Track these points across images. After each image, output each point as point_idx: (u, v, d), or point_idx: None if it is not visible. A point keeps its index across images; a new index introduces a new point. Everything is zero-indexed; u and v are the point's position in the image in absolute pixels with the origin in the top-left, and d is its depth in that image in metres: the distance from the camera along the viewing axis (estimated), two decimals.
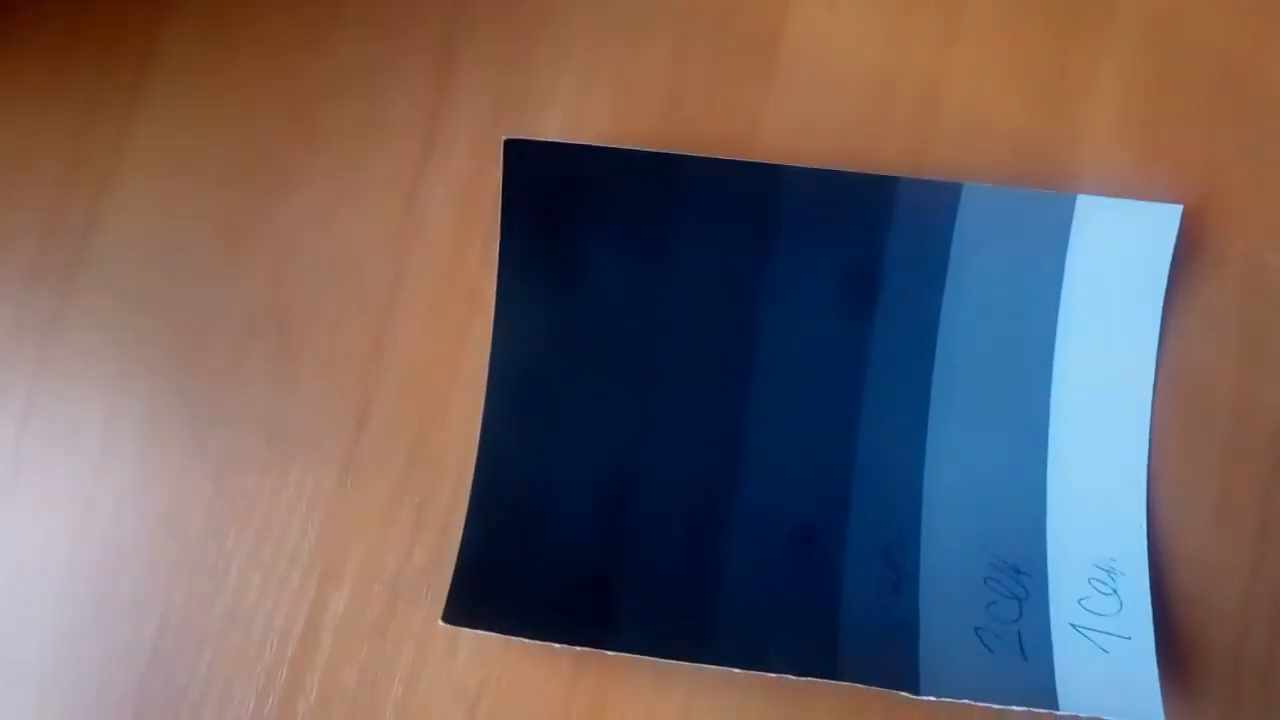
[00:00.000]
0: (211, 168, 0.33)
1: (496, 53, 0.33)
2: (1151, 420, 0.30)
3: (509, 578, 0.30)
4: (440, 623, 0.30)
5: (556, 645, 0.30)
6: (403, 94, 0.33)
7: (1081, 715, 0.28)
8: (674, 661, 0.29)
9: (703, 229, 0.31)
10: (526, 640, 0.30)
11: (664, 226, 0.31)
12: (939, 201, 0.30)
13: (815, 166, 0.31)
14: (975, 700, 0.28)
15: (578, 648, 0.29)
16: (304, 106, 0.33)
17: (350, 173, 0.33)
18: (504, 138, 0.31)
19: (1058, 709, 0.28)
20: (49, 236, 0.33)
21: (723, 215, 0.31)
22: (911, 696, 0.28)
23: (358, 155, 0.33)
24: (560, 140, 0.32)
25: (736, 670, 0.29)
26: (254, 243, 0.33)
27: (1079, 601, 0.29)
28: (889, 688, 0.28)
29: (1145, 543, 0.29)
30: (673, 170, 0.31)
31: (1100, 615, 0.29)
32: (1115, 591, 0.29)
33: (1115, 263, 0.30)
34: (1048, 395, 0.30)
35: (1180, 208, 0.29)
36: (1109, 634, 0.29)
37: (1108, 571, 0.29)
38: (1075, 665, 0.29)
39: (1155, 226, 0.29)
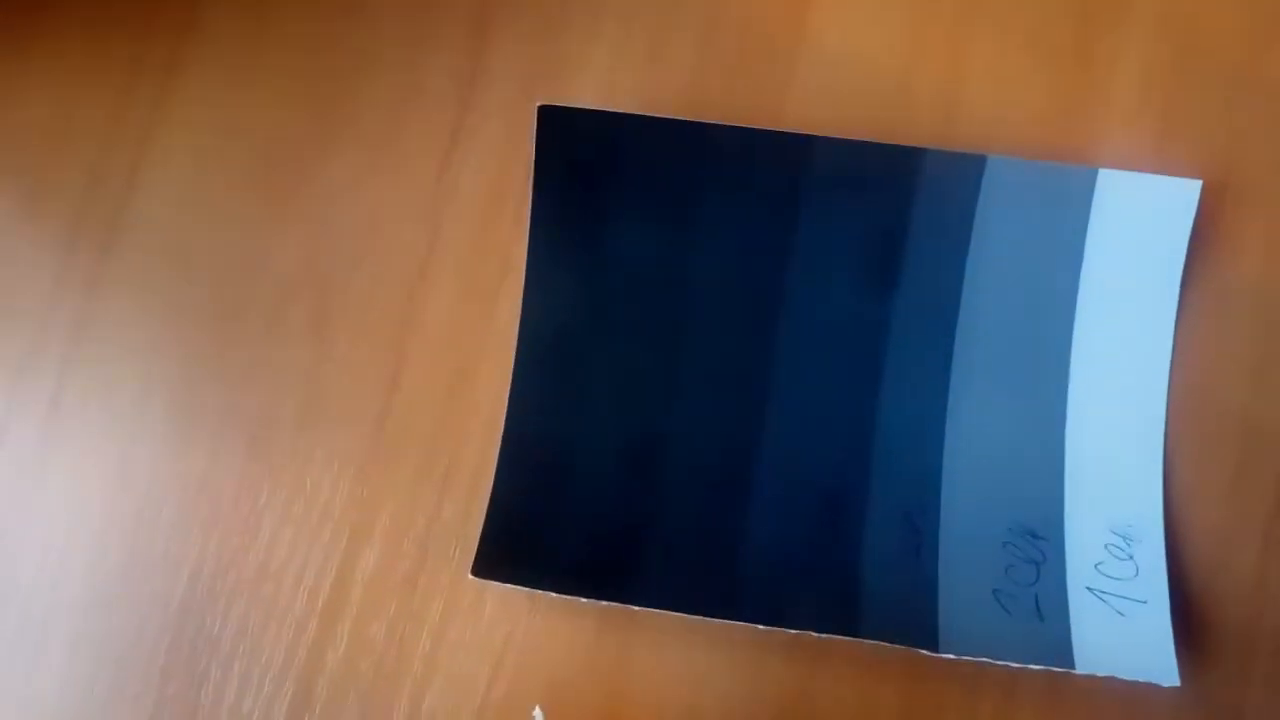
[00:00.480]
0: (248, 134, 0.34)
1: (530, 23, 0.34)
2: (1169, 390, 0.30)
3: (536, 533, 0.31)
4: (469, 577, 0.30)
5: (582, 600, 0.30)
6: (437, 63, 0.34)
7: (1098, 674, 0.28)
8: (697, 617, 0.30)
9: (731, 197, 0.31)
10: (552, 595, 0.30)
11: (693, 194, 0.32)
12: (964, 173, 0.31)
13: (842, 137, 0.31)
14: (993, 659, 0.29)
15: (602, 602, 0.30)
16: (340, 74, 0.34)
17: (385, 140, 0.34)
18: (537, 104, 0.32)
19: (1074, 668, 0.29)
20: (89, 199, 0.34)
21: (751, 183, 0.31)
22: (931, 654, 0.29)
23: (393, 123, 0.34)
24: (592, 108, 0.32)
25: (759, 626, 0.29)
26: (290, 208, 0.34)
27: (1095, 566, 0.29)
28: (908, 645, 0.29)
29: (1161, 509, 0.30)
30: (702, 139, 0.31)
31: (1117, 579, 0.29)
32: (1131, 557, 0.29)
33: (1135, 236, 0.30)
34: (1067, 364, 0.30)
35: (1200, 183, 0.30)
36: (1125, 598, 0.29)
37: (1124, 537, 0.30)
38: (1092, 627, 0.29)
39: (1175, 201, 0.30)
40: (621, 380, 0.31)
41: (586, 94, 0.33)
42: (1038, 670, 0.29)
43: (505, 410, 0.31)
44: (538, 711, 0.30)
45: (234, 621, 0.32)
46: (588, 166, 0.32)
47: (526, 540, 0.31)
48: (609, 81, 0.33)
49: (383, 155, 0.34)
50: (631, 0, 0.34)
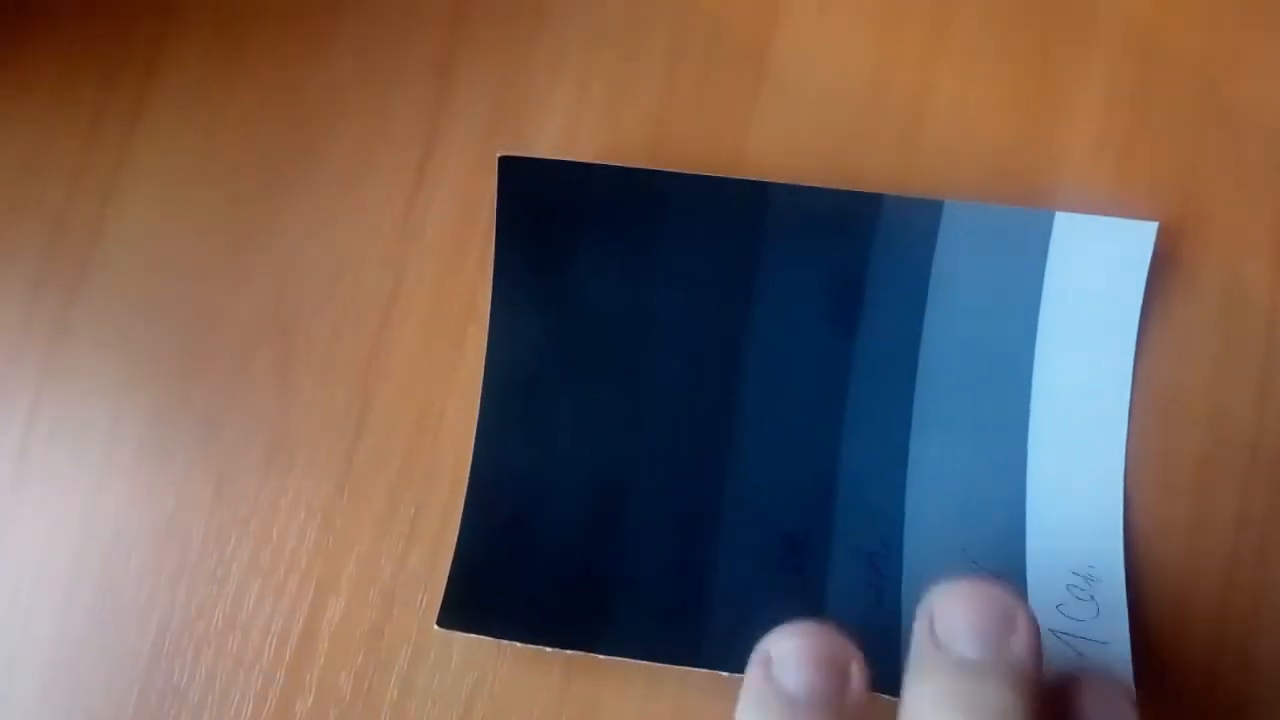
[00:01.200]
0: (214, 178, 0.34)
1: (494, 65, 0.34)
2: (1128, 432, 0.30)
3: (502, 582, 0.31)
4: (436, 628, 0.30)
5: (548, 649, 0.30)
6: (402, 106, 0.34)
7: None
8: (665, 665, 0.30)
9: (691, 243, 0.32)
10: (519, 644, 0.30)
11: (654, 240, 0.32)
12: (922, 218, 0.31)
13: (801, 184, 0.31)
14: None
15: (569, 651, 0.30)
16: (305, 118, 0.34)
17: (350, 183, 0.34)
18: (499, 154, 0.32)
19: None
20: (55, 245, 0.34)
21: (711, 230, 0.31)
22: (892, 699, 0.29)
23: (358, 166, 0.34)
24: (553, 158, 0.32)
25: (724, 674, 0.29)
26: (256, 252, 0.34)
27: (1057, 608, 0.30)
28: (871, 691, 0.29)
29: (1122, 550, 0.30)
30: (662, 187, 0.31)
31: (1078, 620, 0.29)
32: (1093, 598, 0.29)
33: (1092, 278, 0.30)
34: (1027, 407, 0.30)
35: (1156, 225, 0.30)
36: (1085, 639, 0.29)
37: (1085, 579, 0.30)
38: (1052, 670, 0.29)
39: (1131, 243, 0.30)
40: (586, 428, 0.31)
41: (550, 135, 0.33)
42: None
43: (470, 458, 0.31)
44: None
45: (203, 671, 0.32)
46: (549, 215, 0.32)
47: (492, 590, 0.31)
48: (572, 124, 0.33)
49: (347, 199, 0.34)
50: (594, 43, 0.34)
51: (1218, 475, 0.30)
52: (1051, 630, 0.29)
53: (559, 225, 0.32)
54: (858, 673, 0.25)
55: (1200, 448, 0.30)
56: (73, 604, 0.33)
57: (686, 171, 0.31)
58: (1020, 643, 0.24)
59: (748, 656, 0.29)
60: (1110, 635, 0.29)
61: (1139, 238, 0.30)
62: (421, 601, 0.31)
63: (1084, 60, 0.32)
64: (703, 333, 0.31)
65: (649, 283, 0.32)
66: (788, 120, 0.33)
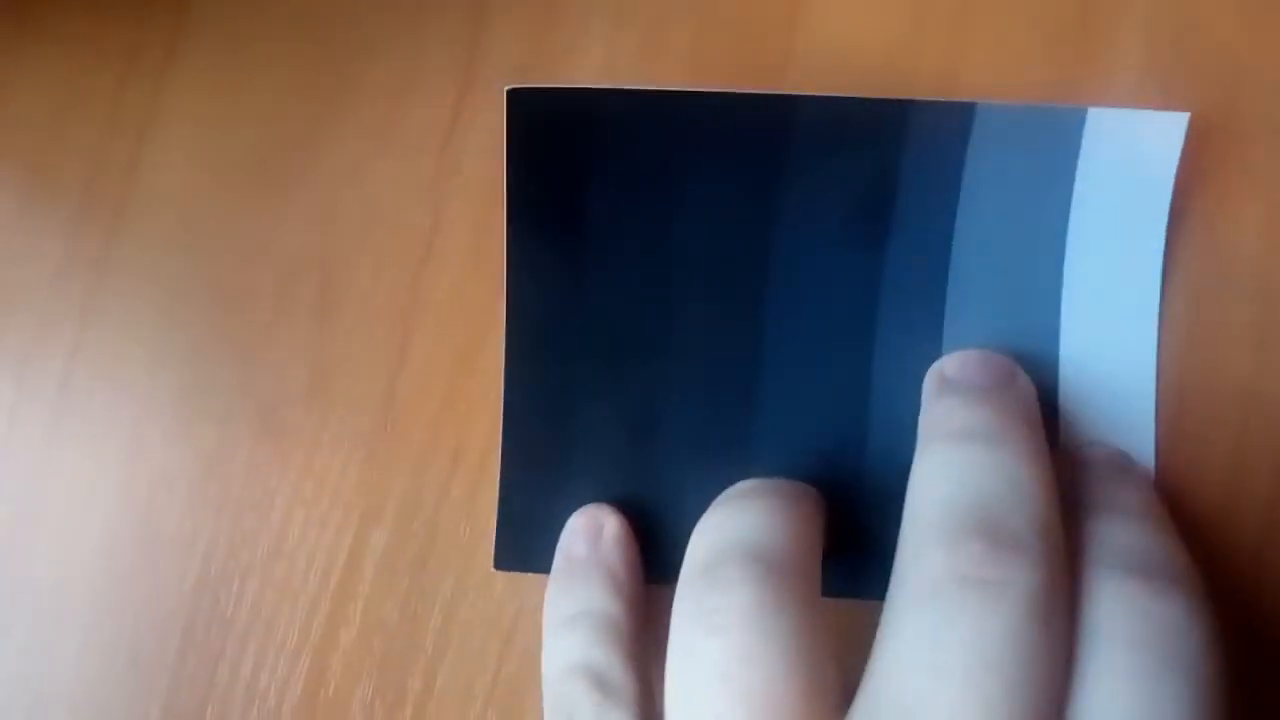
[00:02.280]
0: (250, 120, 0.34)
1: (528, 7, 0.34)
2: (1160, 320, 0.30)
3: (547, 519, 0.31)
4: (492, 569, 0.31)
5: None
6: (436, 49, 0.34)
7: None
8: None
9: (712, 160, 0.31)
10: None
11: (673, 161, 0.31)
12: (953, 122, 0.30)
13: (826, 94, 0.31)
14: None
15: None
16: (340, 60, 0.34)
17: (387, 121, 0.34)
18: (505, 88, 0.31)
19: None
20: (93, 185, 0.34)
21: (733, 146, 0.31)
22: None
23: (394, 105, 0.34)
24: (563, 85, 0.31)
25: None
26: (294, 192, 0.34)
27: None
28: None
29: (1153, 437, 0.30)
30: (680, 106, 0.31)
31: None
32: None
33: (1123, 173, 0.30)
34: (1058, 306, 0.30)
35: (1187, 115, 0.29)
36: None
37: None
38: None
39: (1163, 134, 0.30)
40: (615, 353, 0.32)
41: (587, 71, 0.33)
42: None
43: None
44: None
45: (248, 601, 0.32)
46: (564, 146, 0.31)
47: (540, 528, 0.31)
48: (608, 63, 0.33)
49: (385, 139, 0.34)
50: None
51: (1262, 354, 0.31)
52: None
53: (574, 154, 0.31)
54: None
55: (1244, 324, 0.31)
56: (117, 537, 0.33)
57: (701, 89, 0.31)
58: (1024, 384, 0.29)
59: None
60: None
61: (1170, 128, 0.29)
62: (465, 532, 0.32)
63: None
64: (728, 253, 0.31)
65: (671, 207, 0.31)
66: (825, 58, 0.33)
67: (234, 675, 0.32)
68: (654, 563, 0.31)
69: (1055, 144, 0.30)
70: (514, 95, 0.31)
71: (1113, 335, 0.31)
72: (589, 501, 0.31)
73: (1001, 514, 0.24)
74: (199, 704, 0.32)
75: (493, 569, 0.31)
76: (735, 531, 0.27)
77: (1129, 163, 0.30)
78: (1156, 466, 0.30)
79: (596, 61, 0.33)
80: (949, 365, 0.29)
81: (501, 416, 0.32)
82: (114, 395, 0.34)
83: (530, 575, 0.31)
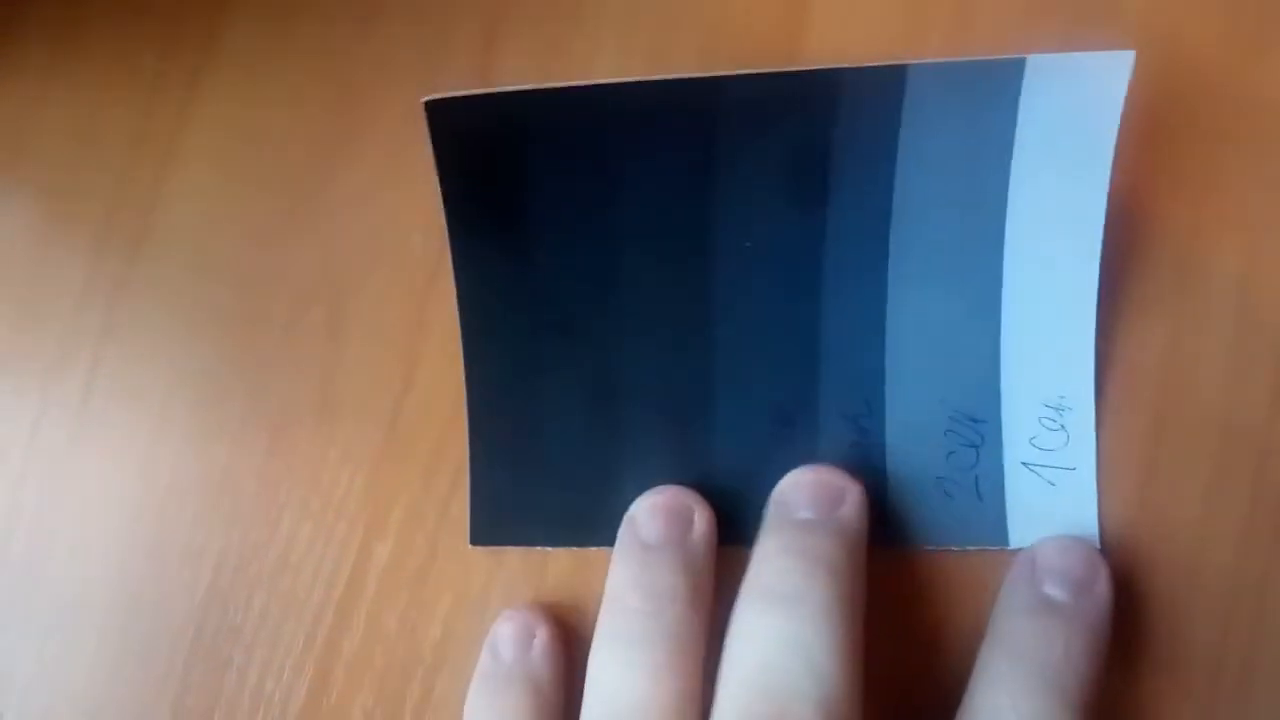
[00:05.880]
0: (268, 145, 0.36)
1: (538, 35, 0.35)
2: (1100, 262, 0.30)
3: (519, 491, 0.33)
4: (470, 546, 0.33)
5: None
6: (448, 75, 0.35)
7: (1025, 548, 0.30)
8: None
9: (645, 146, 0.31)
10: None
11: (609, 151, 0.32)
12: (885, 85, 0.30)
13: (753, 70, 0.31)
14: (934, 545, 0.31)
15: (591, 548, 0.32)
16: (355, 85, 0.35)
17: (398, 151, 0.35)
18: (423, 99, 0.31)
19: (1008, 545, 0.31)
20: (117, 206, 0.36)
21: (664, 131, 0.31)
22: (880, 548, 0.30)
23: (405, 134, 0.35)
24: (481, 91, 0.31)
25: (726, 545, 0.31)
26: (308, 215, 0.35)
27: (1030, 440, 0.31)
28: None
29: (1092, 376, 0.31)
30: (606, 98, 0.31)
31: (1048, 450, 0.31)
32: (1063, 427, 0.31)
33: (1066, 117, 0.29)
34: (1000, 252, 0.31)
35: (1132, 53, 0.28)
36: (1055, 467, 0.31)
37: (1056, 409, 0.31)
38: (1024, 502, 0.31)
39: (1106, 75, 0.29)
40: (568, 328, 0.33)
41: None
42: (974, 553, 0.31)
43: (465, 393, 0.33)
44: None
45: (256, 610, 0.34)
46: (491, 151, 0.32)
47: (512, 499, 0.33)
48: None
49: (396, 166, 0.35)
50: (633, 13, 0.35)
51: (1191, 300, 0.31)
52: (1025, 464, 0.31)
53: (503, 155, 0.32)
54: (700, 518, 0.31)
55: (1174, 273, 0.31)
56: (132, 548, 0.35)
57: (626, 80, 0.31)
58: (849, 510, 0.30)
59: (748, 528, 0.31)
60: (1078, 461, 0.31)
61: (1114, 68, 0.29)
62: (464, 548, 0.33)
63: None
64: (671, 226, 0.32)
65: (609, 189, 0.32)
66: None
67: (241, 681, 0.34)
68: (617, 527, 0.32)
69: (994, 96, 0.30)
70: (432, 106, 0.31)
71: (1054, 282, 0.31)
72: (559, 474, 0.33)
73: (789, 691, 0.27)
74: (207, 708, 0.34)
75: (470, 545, 0.33)
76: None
77: (1073, 108, 0.29)
78: (1097, 423, 0.31)
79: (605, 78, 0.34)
80: (785, 485, 0.31)
81: (465, 398, 0.33)
82: (132, 411, 0.35)
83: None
